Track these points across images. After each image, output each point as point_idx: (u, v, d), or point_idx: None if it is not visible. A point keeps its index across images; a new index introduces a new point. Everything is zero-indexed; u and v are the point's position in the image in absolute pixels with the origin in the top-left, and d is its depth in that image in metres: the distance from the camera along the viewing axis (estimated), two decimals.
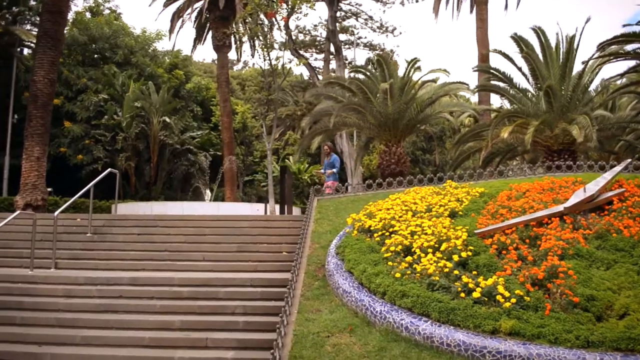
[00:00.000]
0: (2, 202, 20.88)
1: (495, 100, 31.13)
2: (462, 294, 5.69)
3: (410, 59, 18.70)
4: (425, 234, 7.24)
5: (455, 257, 6.47)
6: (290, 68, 19.51)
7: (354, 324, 5.94)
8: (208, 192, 26.02)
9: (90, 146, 25.08)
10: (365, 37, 39.88)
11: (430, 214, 8.33)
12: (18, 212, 8.48)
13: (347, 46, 35.30)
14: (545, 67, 17.53)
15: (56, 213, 9.27)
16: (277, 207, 15.35)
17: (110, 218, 11.38)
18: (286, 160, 31.01)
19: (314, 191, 12.15)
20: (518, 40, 18.19)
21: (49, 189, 17.36)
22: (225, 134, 24.78)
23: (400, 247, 6.99)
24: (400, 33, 61.26)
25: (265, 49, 13.81)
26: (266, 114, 19.07)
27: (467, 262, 6.54)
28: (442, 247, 6.78)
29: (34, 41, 22.59)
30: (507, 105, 27.26)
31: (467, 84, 20.11)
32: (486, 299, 5.60)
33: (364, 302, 6.15)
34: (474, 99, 27.48)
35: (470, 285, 5.76)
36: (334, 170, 13.76)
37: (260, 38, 15.44)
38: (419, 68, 18.32)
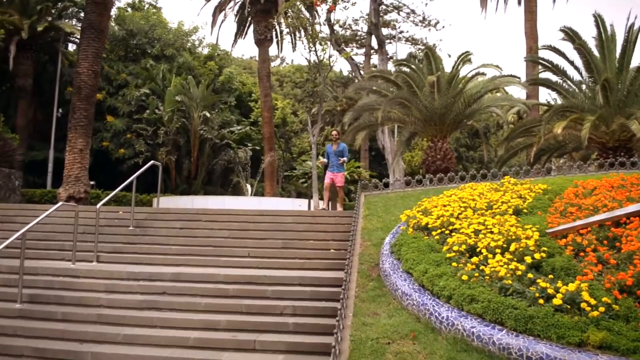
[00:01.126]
0: (46, 195, 21.09)
1: (543, 97, 29.92)
2: (541, 300, 5.07)
3: (461, 52, 17.92)
4: (492, 232, 6.63)
5: (528, 259, 5.85)
6: (336, 59, 19.06)
7: (417, 330, 5.40)
8: (248, 187, 25.74)
9: (131, 140, 25.18)
10: (407, 31, 39.23)
11: (492, 212, 7.71)
12: (60, 203, 8.27)
13: (388, 41, 34.53)
14: (601, 60, 16.58)
15: (98, 205, 9.03)
16: (321, 202, 14.91)
17: (152, 211, 11.13)
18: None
19: (361, 186, 11.65)
20: (569, 32, 17.27)
21: (92, 182, 17.39)
22: (266, 129, 24.46)
23: (464, 246, 6.41)
24: (443, 27, 59.88)
25: (310, 40, 13.34)
26: (311, 107, 18.57)
27: (541, 265, 5.91)
28: (512, 248, 6.16)
29: (79, 36, 22.83)
30: (555, 101, 26.22)
31: (519, 77, 19.19)
32: (568, 306, 4.97)
33: (427, 307, 5.60)
34: (519, 94, 26.50)
35: (550, 291, 5.13)
36: (345, 159, 12.11)
37: (306, 29, 15.01)
38: (469, 61, 17.52)
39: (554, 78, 18.47)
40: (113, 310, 6.80)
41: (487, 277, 5.65)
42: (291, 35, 26.72)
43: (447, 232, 7.13)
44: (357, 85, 20.89)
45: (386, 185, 12.13)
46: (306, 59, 16.88)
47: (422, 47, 35.96)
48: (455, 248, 6.37)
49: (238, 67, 37.34)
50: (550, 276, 5.62)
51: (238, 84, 31.68)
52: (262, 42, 25.10)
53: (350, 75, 39.48)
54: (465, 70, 18.17)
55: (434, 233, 7.22)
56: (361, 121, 19.21)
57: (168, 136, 24.90)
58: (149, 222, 10.34)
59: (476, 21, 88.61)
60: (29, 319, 6.69)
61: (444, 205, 8.23)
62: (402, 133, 32.57)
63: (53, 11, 26.44)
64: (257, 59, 56.77)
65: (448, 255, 6.33)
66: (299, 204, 16.73)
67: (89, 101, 13.75)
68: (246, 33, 28.44)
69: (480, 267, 5.90)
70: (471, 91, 17.79)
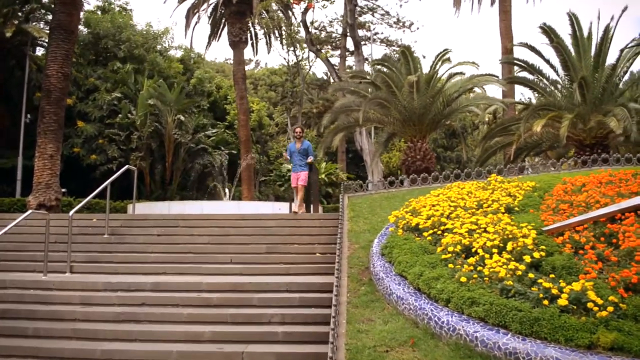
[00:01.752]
0: (15, 204, 20.26)
1: (518, 96, 30.12)
2: (545, 301, 4.84)
3: (439, 51, 17.84)
4: (486, 232, 6.41)
5: (527, 258, 5.63)
6: (314, 60, 18.79)
7: (416, 336, 5.12)
8: (226, 191, 25.25)
9: (104, 146, 24.45)
10: (382, 33, 39.07)
11: (483, 210, 7.51)
12: (29, 211, 7.78)
13: (363, 42, 34.43)
14: (576, 58, 16.73)
15: (71, 213, 8.55)
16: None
17: (127, 218, 10.66)
18: None
19: (344, 188, 11.37)
20: (547, 30, 17.38)
21: (63, 190, 16.73)
22: (242, 132, 24.03)
23: (459, 247, 6.17)
24: (418, 28, 60.25)
25: (289, 39, 13.01)
26: (290, 107, 18.22)
27: (541, 264, 5.70)
28: (509, 247, 5.94)
29: (47, 38, 22.07)
30: (531, 100, 26.42)
31: (497, 76, 19.18)
32: (574, 307, 4.75)
33: (425, 311, 5.33)
34: (495, 94, 26.59)
35: (554, 291, 4.91)
36: (311, 158, 11.39)
37: (282, 29, 14.69)
38: (448, 60, 17.42)
39: (530, 77, 18.60)
40: (89, 324, 6.36)
41: (487, 279, 5.41)
42: (266, 37, 26.37)
43: (439, 232, 6.90)
44: (335, 86, 20.68)
45: (369, 186, 11.88)
46: (284, 58, 16.59)
47: (397, 49, 36.00)
48: (450, 249, 6.13)
49: (211, 70, 36.75)
50: (552, 275, 5.41)
51: (212, 87, 31.13)
52: (237, 44, 24.68)
53: (326, 77, 39.30)
54: (443, 70, 18.10)
55: (425, 234, 6.98)
56: (339, 122, 18.97)
57: (141, 141, 24.26)
58: (125, 230, 9.88)
59: (450, 22, 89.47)
60: None
61: (433, 205, 8.00)
62: (381, 134, 32.51)
63: (20, 14, 25.56)
64: (231, 61, 56.29)
65: (443, 256, 6.09)
66: (279, 208, 16.35)
67: (59, 105, 13.14)
68: (220, 35, 27.98)
69: (478, 268, 5.67)
70: (450, 90, 17.74)
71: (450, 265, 5.79)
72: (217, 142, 28.22)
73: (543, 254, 5.77)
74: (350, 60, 37.32)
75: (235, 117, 28.77)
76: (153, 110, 24.79)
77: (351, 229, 8.74)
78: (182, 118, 25.17)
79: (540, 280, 5.21)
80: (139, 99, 24.69)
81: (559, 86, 17.71)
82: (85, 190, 23.03)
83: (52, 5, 16.47)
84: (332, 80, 32.29)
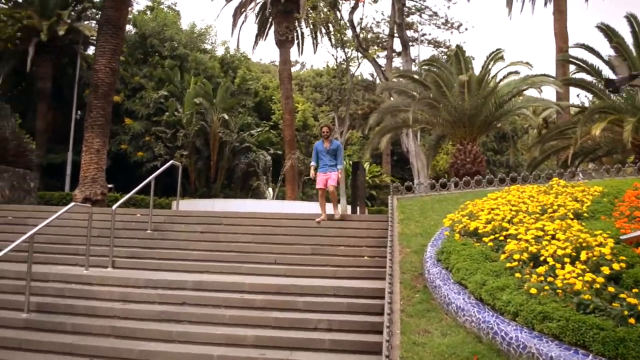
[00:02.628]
0: (64, 198, 20.63)
1: (572, 99, 28.84)
2: (631, 320, 4.25)
3: (492, 51, 17.10)
4: (557, 239, 5.81)
5: (606, 270, 5.02)
6: (361, 59, 18.37)
7: (479, 353, 4.61)
8: (270, 190, 25.06)
9: (150, 143, 24.69)
10: (430, 34, 38.25)
11: (549, 216, 6.89)
12: (72, 204, 7.64)
13: (410, 43, 33.75)
14: (638, 58, 15.73)
15: (114, 207, 8.40)
16: (349, 207, 14.16)
17: (171, 214, 10.48)
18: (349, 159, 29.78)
19: (393, 189, 10.88)
20: (606, 29, 16.48)
21: (110, 185, 16.86)
22: (287, 132, 23.79)
23: (526, 255, 5.60)
24: (466, 29, 58.85)
25: (337, 35, 12.62)
26: (339, 105, 17.84)
27: (621, 276, 5.07)
28: (582, 257, 5.33)
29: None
30: (585, 103, 25.20)
31: (553, 77, 18.26)
32: None
33: (490, 324, 4.81)
34: (547, 97, 25.49)
35: None
36: (340, 167, 10.07)
37: (329, 28, 14.32)
38: (501, 58, 16.65)
39: (588, 78, 17.67)
40: (128, 322, 6.12)
41: (560, 291, 4.84)
42: (313, 35, 26.08)
43: (501, 238, 6.33)
44: (382, 86, 20.13)
45: (420, 188, 11.34)
46: (332, 55, 16.23)
47: (445, 50, 35.20)
48: (516, 256, 5.56)
49: (257, 70, 36.82)
50: (635, 290, 4.79)
51: (258, 86, 31.08)
52: (284, 43, 24.48)
53: (372, 79, 38.71)
54: (495, 70, 17.35)
55: (485, 239, 6.42)
56: (387, 123, 18.44)
57: (187, 139, 24.36)
58: (168, 226, 9.69)
59: (500, 24, 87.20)
60: (36, 331, 6.03)
61: (492, 209, 7.42)
62: (427, 137, 31.72)
63: (72, 13, 26.13)
64: (276, 63, 56.41)
65: (508, 264, 5.53)
66: None
67: (106, 99, 13.17)
68: (267, 34, 27.88)
69: (548, 279, 5.09)
70: (503, 91, 16.98)
71: (517, 275, 5.24)
72: (261, 141, 28.13)
73: (623, 265, 5.15)
74: (397, 62, 36.72)
75: (280, 117, 28.59)
76: (199, 109, 24.87)
77: (402, 232, 8.25)
78: (227, 117, 25.12)
79: (622, 295, 4.61)
80: (185, 97, 24.83)
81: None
82: (131, 187, 23.25)
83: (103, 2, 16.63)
84: (377, 82, 31.80)
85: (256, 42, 28.14)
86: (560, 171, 12.13)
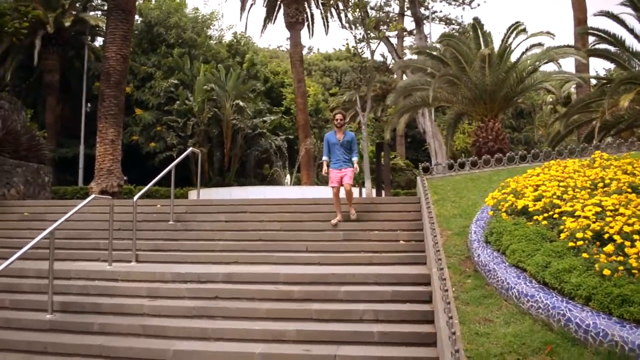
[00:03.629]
0: (78, 192, 20.38)
1: (591, 71, 28.00)
2: None
3: (512, 23, 16.44)
4: (621, 214, 5.32)
5: None
6: (384, 32, 17.82)
7: (552, 342, 4.16)
8: (288, 176, 24.62)
9: (162, 133, 24.30)
10: (441, 11, 37.28)
11: (603, 190, 6.39)
12: (92, 196, 7.25)
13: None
14: None
15: (135, 198, 8.01)
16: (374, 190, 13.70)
17: (192, 204, 10.08)
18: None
19: (422, 169, 10.39)
20: None
21: (124, 177, 16.51)
22: (300, 116, 23.28)
23: (589, 233, 5.12)
24: (479, 4, 57.30)
25: (357, 10, 12.06)
26: (359, 84, 17.28)
27: None
28: None
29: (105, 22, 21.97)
30: (605, 74, 24.38)
31: (578, 47, 17.57)
32: None
33: (561, 311, 4.35)
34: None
35: None
36: (356, 159, 8.72)
37: (341, 4, 13.72)
38: (524, 30, 15.99)
39: (612, 49, 17.01)
40: (159, 319, 5.73)
41: (636, 271, 4.38)
42: (323, 17, 25.41)
43: (555, 216, 5.85)
44: (400, 64, 19.59)
45: (451, 167, 10.85)
46: (351, 33, 15.64)
47: (457, 27, 34.33)
48: (579, 235, 5.08)
49: (265, 56, 36.20)
50: None
51: (267, 71, 30.50)
52: (294, 25, 23.86)
53: (383, 60, 37.98)
54: (516, 43, 16.69)
55: (539, 218, 5.93)
56: (405, 102, 17.89)
57: (199, 127, 23.94)
58: (190, 216, 9.28)
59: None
60: (61, 332, 5.67)
61: (537, 186, 6.94)
62: (441, 117, 31.05)
63: (77, 4, 25.68)
64: (284, 48, 55.60)
65: (570, 244, 5.06)
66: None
67: (119, 88, 12.73)
68: (276, 18, 27.23)
69: (619, 258, 4.62)
70: (524, 65, 16.37)
71: (584, 255, 4.77)
72: (273, 127, 27.65)
73: None
74: (408, 41, 35.97)
75: (291, 102, 28.06)
76: (211, 96, 24.40)
77: (439, 213, 7.78)
78: (241, 103, 24.63)
79: None
80: (196, 84, 24.37)
81: None
82: (144, 179, 22.95)
83: None
84: (390, 62, 31.11)
85: (264, 26, 27.53)
86: (584, 145, 11.61)
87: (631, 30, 16.45)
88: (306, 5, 24.90)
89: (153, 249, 8.10)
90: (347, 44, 16.73)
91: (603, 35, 16.86)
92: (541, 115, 34.67)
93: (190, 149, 10.26)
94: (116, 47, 12.58)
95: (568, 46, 17.57)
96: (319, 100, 30.36)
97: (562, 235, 5.28)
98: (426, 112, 23.95)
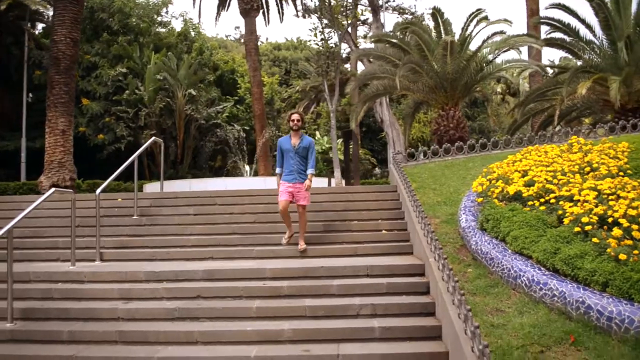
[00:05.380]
0: (21, 187, 19.06)
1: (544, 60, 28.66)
2: None
3: (473, 10, 16.49)
4: (623, 198, 5.20)
5: None
6: (351, 17, 17.52)
7: (574, 332, 3.96)
8: (247, 167, 23.94)
9: (111, 124, 23.06)
10: (394, 1, 37.22)
11: (595, 174, 6.30)
12: (53, 190, 6.54)
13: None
14: (617, 17, 15.47)
15: (98, 191, 7.33)
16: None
17: (156, 197, 9.44)
18: (316, 135, 28.89)
19: (394, 158, 10.16)
20: None
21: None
22: (257, 106, 22.62)
23: (594, 217, 4.97)
24: None
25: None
26: (327, 70, 16.85)
27: None
28: None
29: (47, 12, 20.64)
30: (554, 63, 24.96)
31: (537, 36, 17.81)
32: None
33: (579, 298, 4.15)
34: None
35: None
36: (312, 171, 7.20)
37: None
38: (485, 18, 16.03)
39: (567, 38, 17.36)
40: (137, 323, 5.19)
41: None
42: (278, 5, 24.78)
43: (552, 201, 5.69)
44: (361, 52, 19.31)
45: (422, 155, 10.67)
46: (318, 17, 15.22)
47: (410, 17, 34.41)
48: (585, 219, 4.92)
49: (214, 45, 35.15)
50: None
51: (217, 60, 29.54)
52: (248, 12, 23.12)
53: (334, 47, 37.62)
54: (475, 31, 16.75)
55: (535, 203, 5.78)
56: (368, 91, 17.62)
57: (151, 118, 22.89)
58: (156, 210, 8.69)
59: None
60: (26, 343, 5.03)
61: (525, 171, 6.80)
62: (399, 105, 31.08)
63: None
64: (232, 37, 54.36)
65: (576, 229, 4.89)
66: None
67: (69, 74, 11.80)
68: (229, 4, 26.39)
69: (628, 242, 4.48)
70: (484, 53, 16.47)
71: (595, 240, 4.60)
72: (228, 117, 26.84)
73: None
74: (362, 30, 35.77)
75: (246, 91, 27.33)
76: (163, 85, 23.36)
77: (422, 201, 7.54)
78: (194, 92, 23.71)
79: None
80: (146, 73, 23.26)
81: (595, 48, 16.52)
82: (92, 172, 21.85)
83: None
84: (345, 50, 30.80)
85: (218, 13, 26.66)
86: (543, 133, 11.74)
87: (583, 21, 16.80)
88: None
89: (118, 246, 7.51)
90: (315, 28, 16.14)
91: (558, 25, 17.10)
92: (491, 105, 35.40)
93: (153, 138, 9.62)
94: (66, 31, 11.64)
95: (528, 35, 17.82)
96: (275, 89, 29.73)
97: (566, 220, 5.12)
98: (384, 101, 23.83)
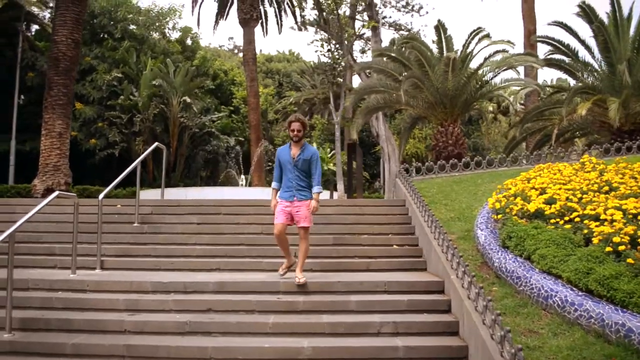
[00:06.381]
0: (9, 191, 18.60)
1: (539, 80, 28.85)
2: None
3: (473, 29, 16.55)
4: None
5: None
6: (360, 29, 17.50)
7: (616, 355, 3.78)
8: (242, 177, 23.66)
9: (103, 129, 22.70)
10: (390, 17, 37.41)
11: (616, 194, 6.18)
12: (56, 193, 6.26)
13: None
14: (616, 40, 15.63)
15: (101, 196, 7.07)
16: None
17: (158, 204, 9.16)
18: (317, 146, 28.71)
19: (401, 172, 10.00)
20: (586, 9, 16.17)
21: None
22: (253, 116, 22.42)
23: (626, 237, 4.83)
24: (427, 12, 58.44)
25: (333, 5, 11.56)
26: (333, 81, 16.74)
27: None
28: None
29: (42, 13, 20.35)
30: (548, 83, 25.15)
31: (537, 56, 17.88)
32: None
33: (619, 320, 3.98)
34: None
35: None
36: (319, 188, 6.23)
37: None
38: (487, 36, 16.06)
39: (566, 59, 17.47)
40: (145, 337, 4.91)
41: None
42: (277, 15, 24.70)
43: (577, 219, 5.55)
44: (363, 65, 19.19)
45: (429, 170, 10.53)
46: (321, 26, 15.13)
47: (406, 34, 34.55)
48: (617, 239, 4.77)
49: (213, 55, 35.03)
50: None
51: (217, 69, 29.37)
52: (248, 21, 23.00)
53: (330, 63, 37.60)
54: (477, 49, 16.79)
55: (558, 221, 5.63)
56: (370, 104, 17.53)
57: (144, 124, 22.56)
58: (158, 217, 8.41)
59: (462, 6, 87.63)
60: (26, 355, 4.72)
61: (542, 189, 6.67)
62: (394, 121, 31.03)
63: None
64: (226, 47, 54.25)
65: (608, 248, 4.74)
66: None
67: (68, 75, 11.52)
68: (228, 14, 26.27)
69: None
70: (485, 71, 16.51)
71: (629, 260, 4.45)
72: (222, 127, 26.60)
73: None
74: (358, 45, 35.84)
75: (241, 102, 27.13)
76: (158, 92, 23.09)
77: (436, 217, 7.37)
78: (188, 100, 23.45)
79: None
80: (141, 79, 22.98)
81: (594, 69, 16.68)
82: (83, 178, 21.42)
83: None
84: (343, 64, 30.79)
85: (217, 22, 26.48)
86: (539, 152, 11.75)
87: (582, 42, 16.94)
88: (260, 2, 24.12)
89: (119, 254, 7.21)
90: (321, 39, 16.06)
91: (557, 45, 17.20)
92: (485, 123, 35.58)
93: (157, 143, 9.37)
94: (67, 31, 11.37)
95: (528, 54, 17.92)
96: (270, 100, 29.57)
97: (595, 240, 4.96)
98: (380, 116, 23.76)
